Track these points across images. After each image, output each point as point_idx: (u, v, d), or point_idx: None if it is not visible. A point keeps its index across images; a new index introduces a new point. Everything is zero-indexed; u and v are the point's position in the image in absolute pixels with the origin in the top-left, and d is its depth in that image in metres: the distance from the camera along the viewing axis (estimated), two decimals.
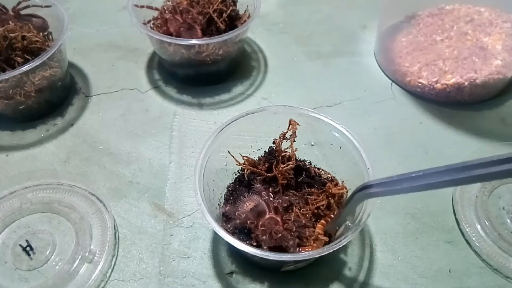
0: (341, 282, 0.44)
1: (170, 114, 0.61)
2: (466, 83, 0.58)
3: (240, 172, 0.48)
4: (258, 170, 0.45)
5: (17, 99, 0.56)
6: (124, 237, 0.48)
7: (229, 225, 0.41)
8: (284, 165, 0.44)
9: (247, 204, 0.41)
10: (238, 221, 0.40)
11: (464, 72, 0.59)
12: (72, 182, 0.52)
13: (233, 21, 0.63)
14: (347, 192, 0.44)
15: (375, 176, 0.40)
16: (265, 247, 0.38)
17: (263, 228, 0.39)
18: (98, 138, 0.58)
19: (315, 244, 0.39)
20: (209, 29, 0.61)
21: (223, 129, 0.45)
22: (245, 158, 0.46)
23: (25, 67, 0.53)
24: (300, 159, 0.48)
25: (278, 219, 0.40)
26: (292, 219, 0.40)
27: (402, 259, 0.46)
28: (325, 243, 0.39)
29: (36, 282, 0.44)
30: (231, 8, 0.62)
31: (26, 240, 0.47)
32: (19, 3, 0.62)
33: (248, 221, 0.40)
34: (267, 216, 0.40)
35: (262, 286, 0.44)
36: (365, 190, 0.35)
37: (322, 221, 0.41)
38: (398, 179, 0.32)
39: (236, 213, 0.41)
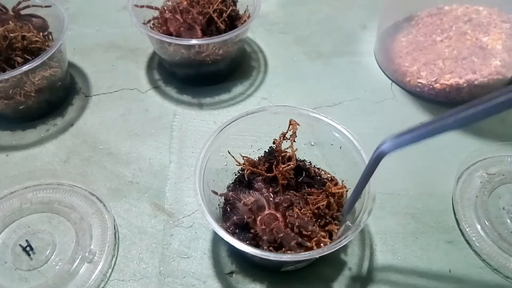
0: (341, 282, 0.44)
1: (170, 114, 0.61)
2: (465, 84, 0.58)
3: (240, 172, 0.48)
4: (258, 170, 0.45)
5: (17, 99, 0.56)
6: (124, 237, 0.48)
7: (228, 224, 0.41)
8: (285, 165, 0.44)
9: (248, 198, 0.41)
10: (236, 217, 0.41)
11: (463, 73, 0.59)
12: (72, 182, 0.52)
13: (233, 21, 0.63)
14: (347, 191, 0.44)
15: (375, 176, 0.40)
16: (265, 247, 0.38)
17: (263, 226, 0.39)
18: (98, 138, 0.58)
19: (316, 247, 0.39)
20: (209, 29, 0.61)
21: (223, 129, 0.45)
22: (245, 158, 0.46)
23: (25, 67, 0.53)
24: (300, 159, 0.48)
25: (278, 215, 0.40)
26: (295, 215, 0.40)
27: (402, 259, 0.46)
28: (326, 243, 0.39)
29: (36, 282, 0.44)
30: (231, 8, 0.62)
31: (26, 240, 0.47)
32: (19, 3, 0.62)
33: (246, 216, 0.40)
34: (267, 212, 0.40)
35: (262, 286, 0.44)
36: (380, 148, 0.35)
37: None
38: (408, 129, 0.33)
39: (237, 204, 0.41)
